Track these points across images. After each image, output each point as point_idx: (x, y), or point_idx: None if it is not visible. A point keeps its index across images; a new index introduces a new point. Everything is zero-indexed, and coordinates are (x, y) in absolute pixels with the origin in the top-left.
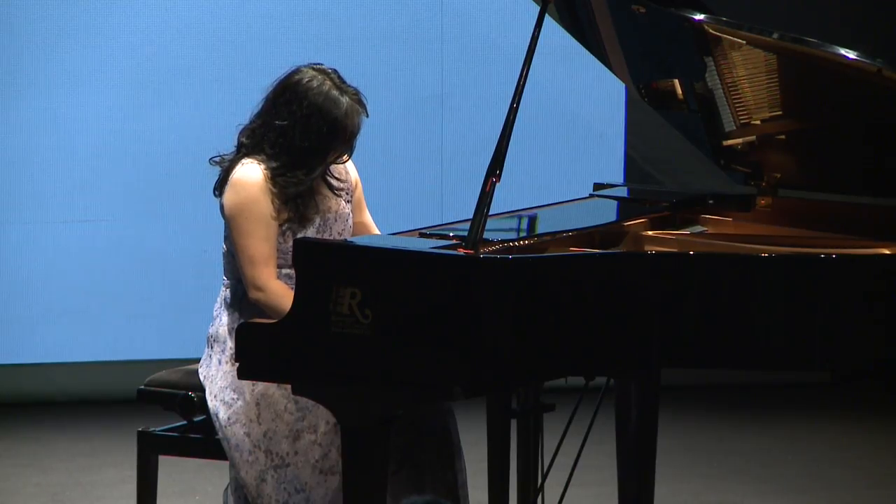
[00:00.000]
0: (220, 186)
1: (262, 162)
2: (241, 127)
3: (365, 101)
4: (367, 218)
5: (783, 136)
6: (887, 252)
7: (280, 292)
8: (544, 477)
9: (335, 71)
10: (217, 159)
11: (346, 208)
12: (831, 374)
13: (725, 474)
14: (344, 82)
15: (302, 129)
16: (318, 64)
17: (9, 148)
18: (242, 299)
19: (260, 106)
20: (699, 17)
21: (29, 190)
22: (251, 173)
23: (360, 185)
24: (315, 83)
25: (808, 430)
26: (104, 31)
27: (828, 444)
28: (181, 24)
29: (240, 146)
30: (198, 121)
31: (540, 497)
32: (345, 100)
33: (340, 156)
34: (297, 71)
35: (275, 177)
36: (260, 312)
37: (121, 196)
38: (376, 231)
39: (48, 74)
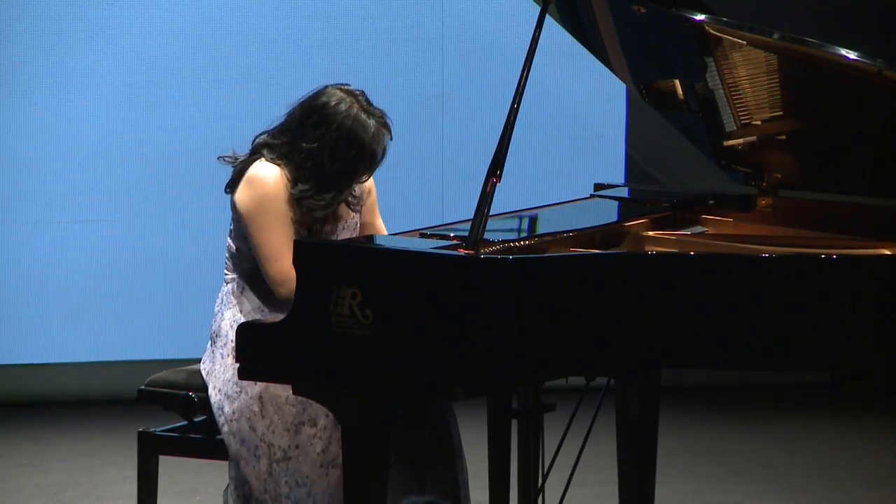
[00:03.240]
0: (233, 184)
1: (282, 167)
2: (258, 136)
3: (390, 123)
4: (379, 222)
5: (784, 137)
6: (887, 252)
7: None
8: (545, 477)
9: (363, 93)
10: (229, 158)
11: (355, 217)
12: (831, 374)
13: (725, 474)
14: (371, 104)
15: (331, 152)
16: (346, 85)
17: (9, 148)
18: (243, 293)
19: (283, 122)
20: (700, 17)
21: (29, 190)
22: (269, 171)
23: (374, 190)
24: (343, 106)
25: (808, 430)
26: (105, 31)
27: (828, 444)
28: (181, 25)
29: (256, 151)
30: (198, 121)
31: (540, 497)
32: (372, 122)
33: (365, 176)
34: (324, 92)
35: (302, 199)
36: (258, 307)
37: (121, 196)
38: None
39: (49, 75)
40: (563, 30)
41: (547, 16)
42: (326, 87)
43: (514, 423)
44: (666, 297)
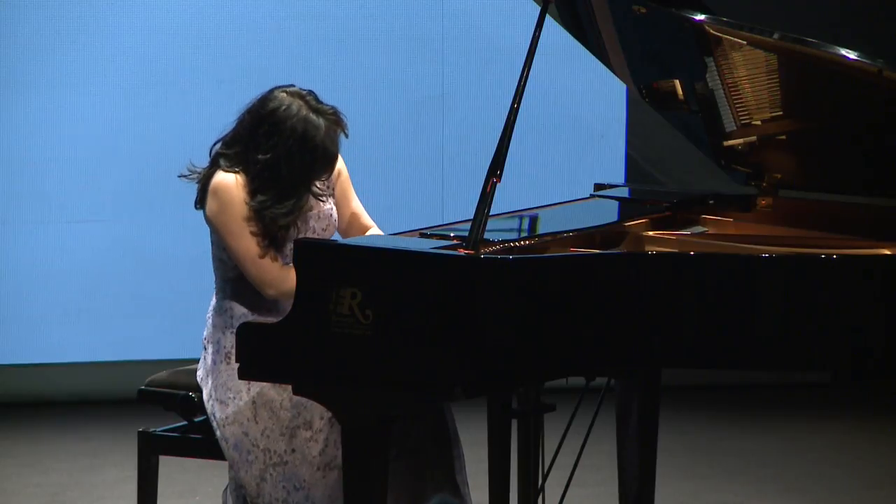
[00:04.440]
0: (200, 199)
1: (239, 173)
2: (213, 145)
3: (344, 120)
4: (356, 207)
5: (784, 137)
6: (887, 252)
7: (285, 276)
8: (545, 477)
9: (310, 92)
10: (194, 177)
11: (326, 205)
12: (831, 375)
13: (725, 474)
14: (320, 103)
15: (286, 159)
16: (292, 86)
17: (9, 148)
18: (232, 300)
19: (234, 130)
20: (700, 17)
21: (29, 190)
22: (229, 179)
23: (343, 172)
24: (293, 110)
25: (808, 430)
26: (105, 31)
27: (828, 444)
28: (181, 25)
29: (214, 163)
30: (198, 121)
31: (540, 497)
32: (322, 122)
33: (324, 175)
34: (271, 98)
35: (262, 210)
36: (247, 312)
37: (121, 196)
38: (367, 218)
39: (49, 75)
40: (563, 30)
41: (547, 16)
42: (273, 90)
43: (514, 423)
44: (666, 297)
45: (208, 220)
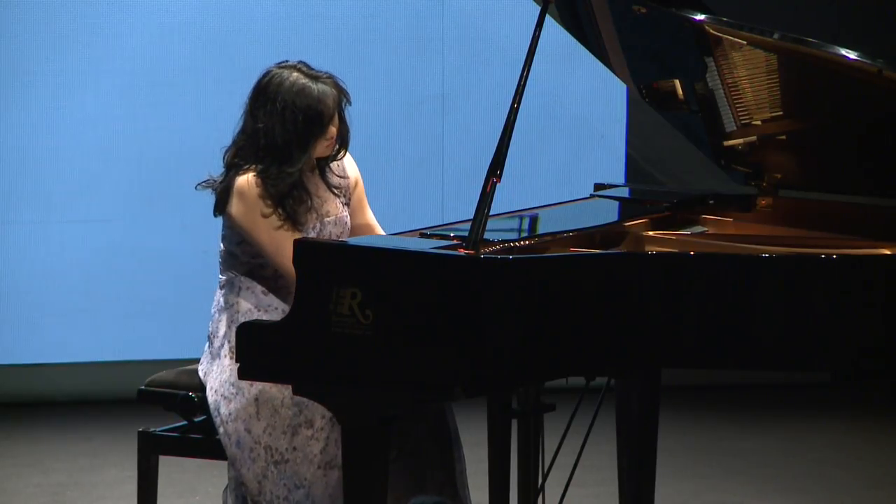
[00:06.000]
0: (221, 204)
1: (253, 170)
2: (225, 152)
3: (343, 85)
4: (370, 218)
5: (784, 137)
6: (887, 252)
7: None
8: (545, 477)
9: (303, 62)
10: (207, 184)
11: (343, 212)
12: (831, 374)
13: (725, 474)
14: (313, 70)
15: (280, 125)
16: (285, 61)
17: (9, 148)
18: (239, 295)
19: (241, 122)
20: (700, 17)
21: (29, 190)
22: (251, 178)
23: (360, 183)
24: (285, 77)
25: (808, 430)
26: (105, 31)
27: (828, 444)
28: (181, 25)
29: (229, 167)
30: (198, 121)
31: (540, 497)
32: (316, 86)
33: (329, 144)
34: (265, 74)
35: (263, 178)
36: (254, 308)
37: (121, 196)
38: (380, 231)
39: (48, 75)
40: (563, 30)
41: (547, 16)
42: (268, 69)
43: (515, 423)
44: (666, 297)
45: (234, 221)
